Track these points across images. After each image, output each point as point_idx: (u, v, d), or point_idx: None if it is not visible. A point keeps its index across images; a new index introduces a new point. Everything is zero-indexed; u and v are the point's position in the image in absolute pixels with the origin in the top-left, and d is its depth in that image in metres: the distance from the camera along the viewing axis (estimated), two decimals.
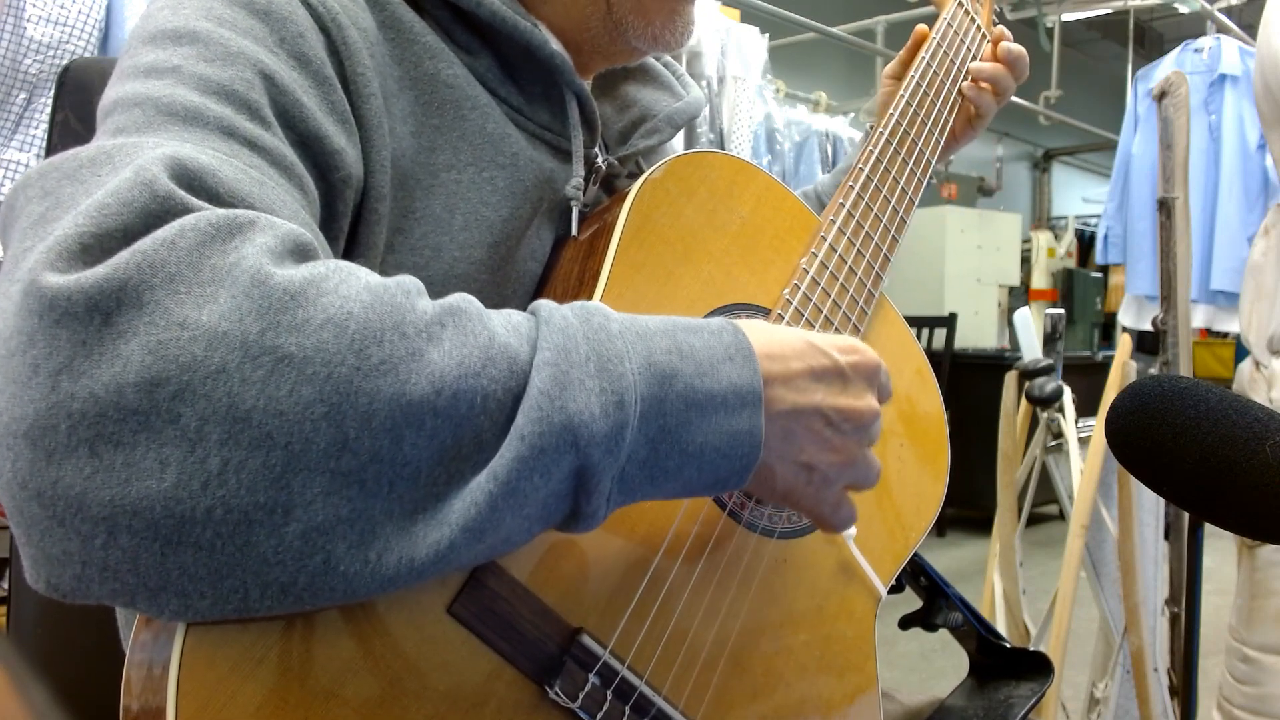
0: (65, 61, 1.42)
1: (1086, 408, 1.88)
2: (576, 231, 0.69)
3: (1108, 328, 7.24)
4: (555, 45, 0.68)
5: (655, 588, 0.57)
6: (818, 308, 0.70)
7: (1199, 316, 3.39)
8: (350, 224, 0.57)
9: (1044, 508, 4.32)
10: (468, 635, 0.48)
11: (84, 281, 0.38)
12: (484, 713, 0.49)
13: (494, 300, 0.48)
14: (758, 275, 0.69)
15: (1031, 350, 1.90)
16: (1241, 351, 2.08)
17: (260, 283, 0.39)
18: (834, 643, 0.67)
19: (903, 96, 0.85)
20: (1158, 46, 8.34)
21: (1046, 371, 1.84)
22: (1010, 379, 1.87)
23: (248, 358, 0.38)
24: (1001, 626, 1.82)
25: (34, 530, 0.38)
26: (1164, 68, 3.55)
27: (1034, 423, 1.87)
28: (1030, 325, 1.92)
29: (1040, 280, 7.21)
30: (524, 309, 0.48)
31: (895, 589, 0.74)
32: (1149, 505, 1.67)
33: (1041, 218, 8.94)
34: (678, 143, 1.21)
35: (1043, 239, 7.31)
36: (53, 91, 0.79)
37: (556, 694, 0.51)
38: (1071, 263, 7.51)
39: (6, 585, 0.96)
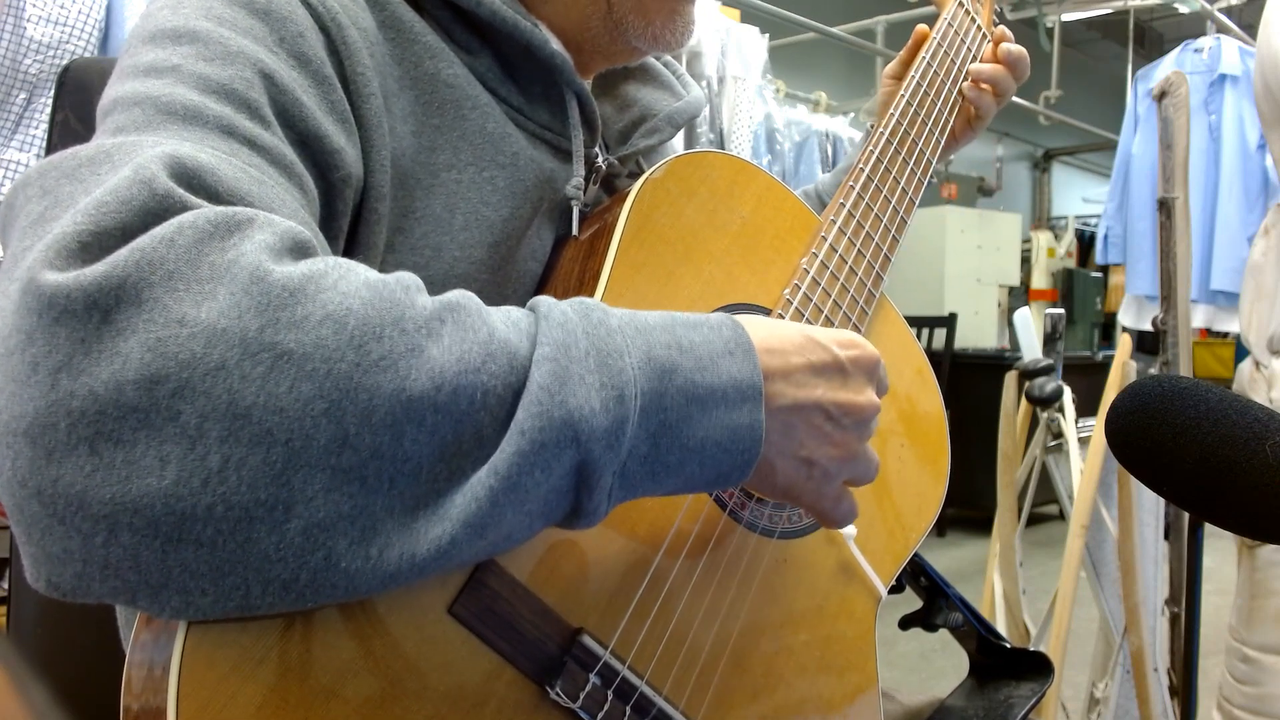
0: (65, 61, 1.42)
1: (1086, 408, 1.88)
2: (577, 231, 0.69)
3: (1108, 328, 7.24)
4: (555, 45, 0.68)
5: (656, 588, 0.57)
6: (818, 307, 0.70)
7: (1199, 316, 3.39)
8: (350, 223, 0.57)
9: (1044, 508, 4.32)
10: (468, 635, 0.48)
11: (83, 279, 0.38)
12: (484, 713, 0.49)
13: (494, 300, 0.48)
14: (758, 275, 0.69)
15: (1031, 350, 1.90)
16: (1241, 351, 2.08)
17: (259, 279, 0.39)
18: (834, 643, 0.67)
19: (903, 96, 0.85)
20: (1158, 46, 8.34)
21: (1046, 371, 1.84)
22: (1010, 379, 1.87)
23: (247, 354, 0.38)
24: (1001, 626, 1.82)
25: (34, 529, 0.38)
26: (1164, 68, 3.55)
27: (1034, 423, 1.87)
28: (1030, 325, 1.93)
29: (1040, 280, 7.21)
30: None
31: (895, 589, 0.74)
32: (1149, 505, 1.67)
33: (1041, 218, 8.93)
34: (678, 143, 1.21)
35: (1043, 239, 7.31)
36: (53, 91, 0.79)
37: (557, 694, 0.50)
38: (1071, 263, 7.52)
39: (6, 585, 0.96)
